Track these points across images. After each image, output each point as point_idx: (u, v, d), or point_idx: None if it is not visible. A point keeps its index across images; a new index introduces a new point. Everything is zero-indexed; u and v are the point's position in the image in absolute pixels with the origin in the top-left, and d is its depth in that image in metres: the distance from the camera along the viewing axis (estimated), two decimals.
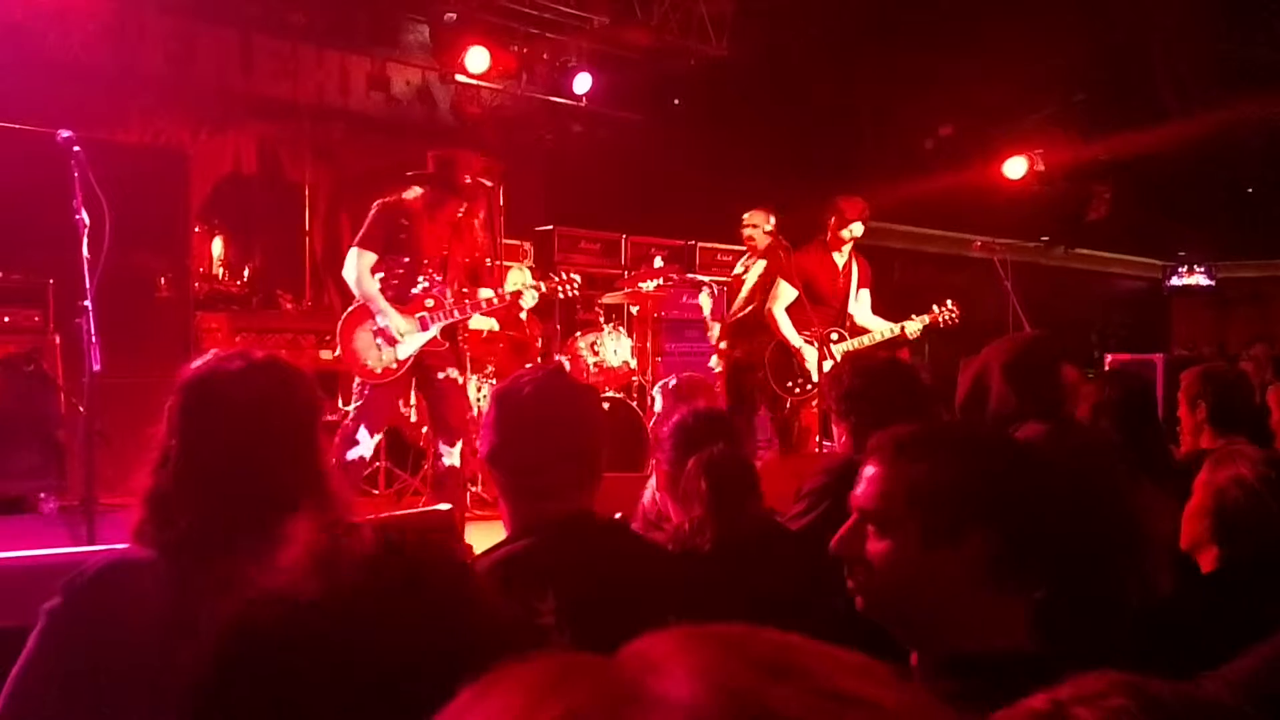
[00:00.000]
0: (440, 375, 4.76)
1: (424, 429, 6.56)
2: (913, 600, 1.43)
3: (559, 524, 1.82)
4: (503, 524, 1.99)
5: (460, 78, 8.42)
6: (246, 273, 7.81)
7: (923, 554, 1.42)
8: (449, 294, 4.74)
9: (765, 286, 6.13)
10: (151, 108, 7.05)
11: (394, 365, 4.57)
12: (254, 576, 0.86)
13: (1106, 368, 7.99)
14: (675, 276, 7.55)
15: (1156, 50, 9.11)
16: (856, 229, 5.99)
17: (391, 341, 4.57)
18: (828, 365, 5.69)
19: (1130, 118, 10.01)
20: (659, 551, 2.07)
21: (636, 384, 7.06)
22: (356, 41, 8.02)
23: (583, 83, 8.80)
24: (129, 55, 6.87)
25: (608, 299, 7.41)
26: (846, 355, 5.79)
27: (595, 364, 6.83)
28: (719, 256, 9.17)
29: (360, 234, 4.67)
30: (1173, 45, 9.07)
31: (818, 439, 5.97)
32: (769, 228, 6.15)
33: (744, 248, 9.12)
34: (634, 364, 6.95)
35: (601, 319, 7.33)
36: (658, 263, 8.00)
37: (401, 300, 4.64)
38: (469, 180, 4.79)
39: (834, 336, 5.92)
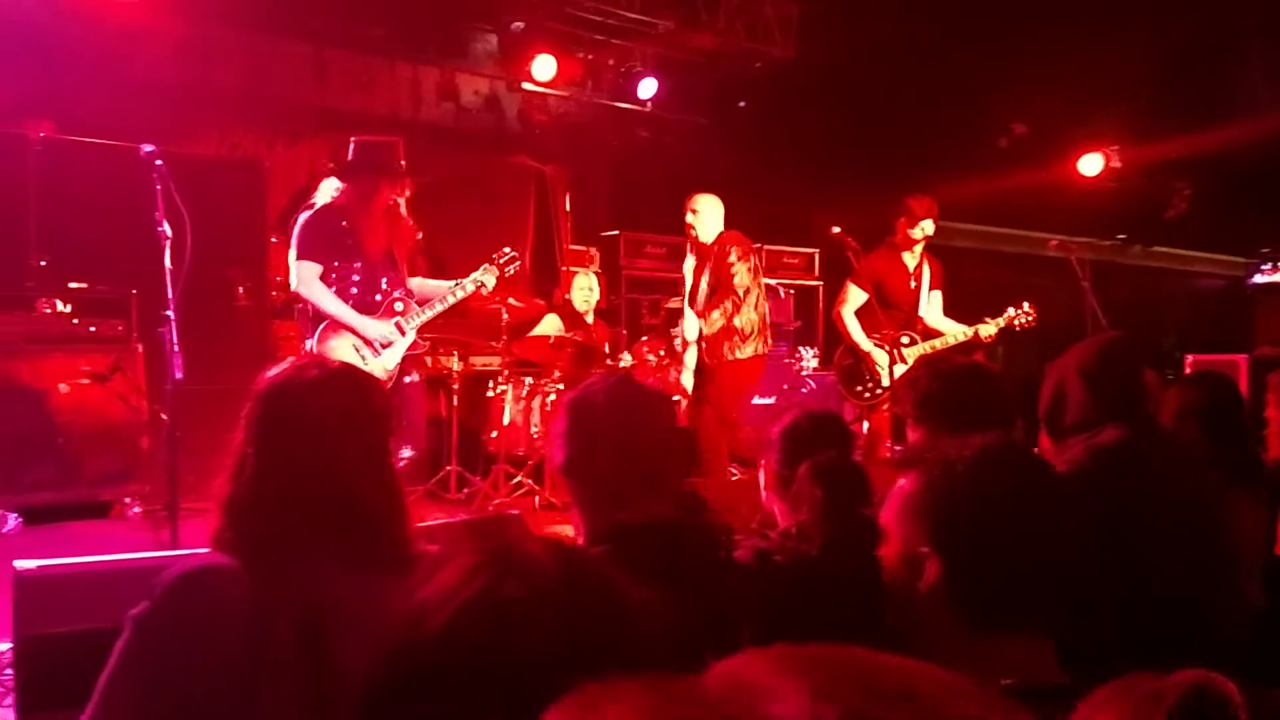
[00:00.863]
0: (406, 380, 4.55)
1: (493, 433, 6.62)
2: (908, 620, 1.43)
3: (634, 531, 1.81)
4: (575, 531, 2.00)
5: (527, 85, 8.50)
6: None
7: (903, 574, 1.42)
8: (412, 292, 4.53)
9: (701, 284, 5.79)
10: (228, 121, 7.23)
11: (384, 376, 4.34)
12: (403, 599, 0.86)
13: (1187, 370, 7.75)
14: None
15: (1234, 44, 8.82)
16: (927, 227, 5.89)
17: (377, 350, 4.38)
18: (899, 369, 5.61)
19: (1209, 113, 9.71)
20: (735, 559, 2.05)
21: None
22: (427, 53, 8.13)
23: (648, 87, 8.82)
24: (207, 71, 7.06)
25: (673, 303, 7.39)
26: (922, 359, 5.69)
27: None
28: (785, 259, 9.11)
29: (296, 245, 4.37)
30: (1249, 39, 8.78)
31: (889, 444, 5.87)
32: (717, 219, 5.83)
33: (810, 249, 9.10)
34: None
35: (668, 324, 7.32)
36: None
37: (369, 308, 4.43)
38: (404, 163, 4.53)
39: (905, 340, 5.83)
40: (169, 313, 3.86)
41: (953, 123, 9.75)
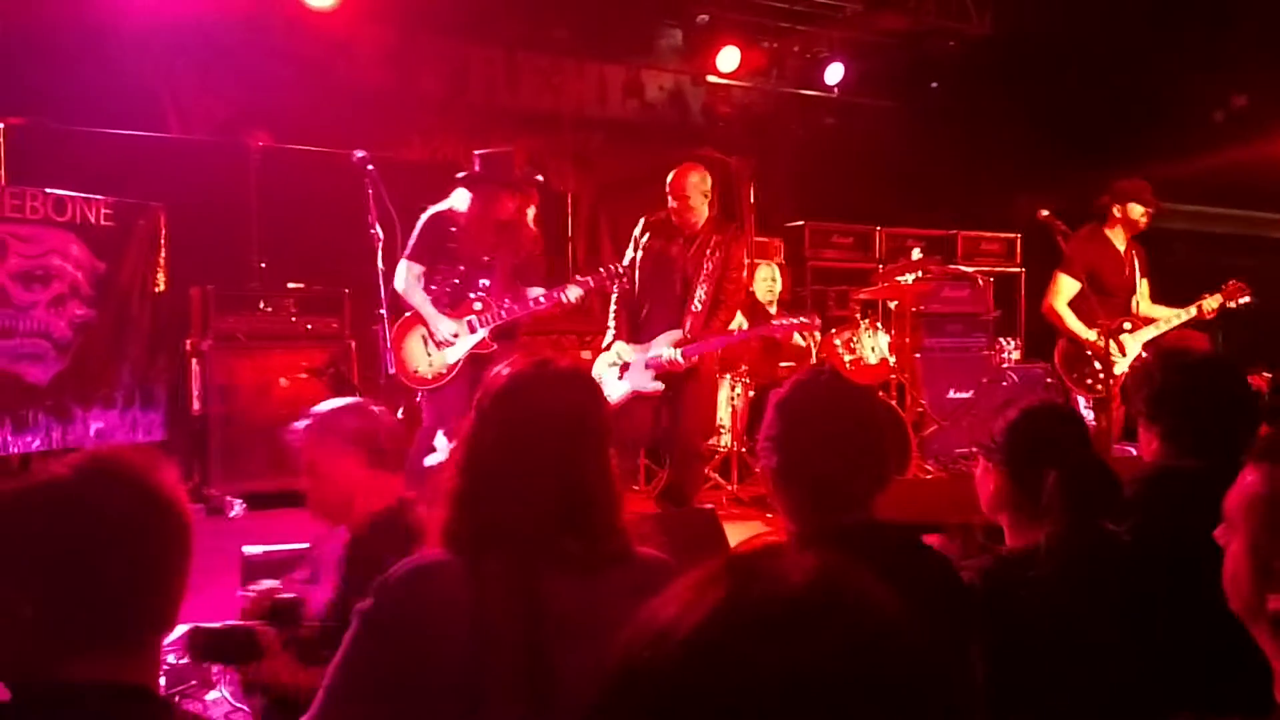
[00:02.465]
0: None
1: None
2: (1246, 617, 1.33)
3: (849, 535, 1.74)
4: (786, 532, 1.94)
5: (711, 78, 8.47)
6: None
7: (1248, 572, 1.31)
8: (505, 299, 4.63)
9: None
10: (431, 126, 7.53)
11: (444, 370, 4.54)
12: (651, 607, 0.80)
13: None
14: (935, 268, 7.23)
15: None
16: (1141, 211, 5.57)
17: (440, 346, 4.55)
18: (1121, 362, 5.28)
19: None
20: (953, 564, 1.94)
21: (895, 381, 6.83)
22: (613, 51, 8.22)
23: (835, 73, 8.62)
24: (410, 78, 7.37)
25: (863, 294, 7.20)
26: (1157, 352, 5.31)
27: (851, 362, 6.64)
28: (983, 245, 8.73)
29: (409, 246, 4.59)
30: None
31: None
32: (707, 191, 5.07)
33: (1011, 234, 8.67)
34: (893, 361, 6.71)
35: (858, 315, 7.14)
36: (915, 254, 7.70)
37: (454, 306, 4.61)
38: (521, 174, 4.63)
39: (1126, 326, 5.50)
40: (383, 311, 4.04)
41: (1164, 97, 9.09)
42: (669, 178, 5.12)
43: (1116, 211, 5.60)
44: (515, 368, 1.69)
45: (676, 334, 5.02)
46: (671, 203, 5.07)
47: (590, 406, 1.69)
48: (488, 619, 1.54)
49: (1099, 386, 5.50)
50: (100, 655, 1.24)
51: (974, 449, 2.29)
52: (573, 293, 4.71)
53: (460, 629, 1.54)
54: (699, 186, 5.01)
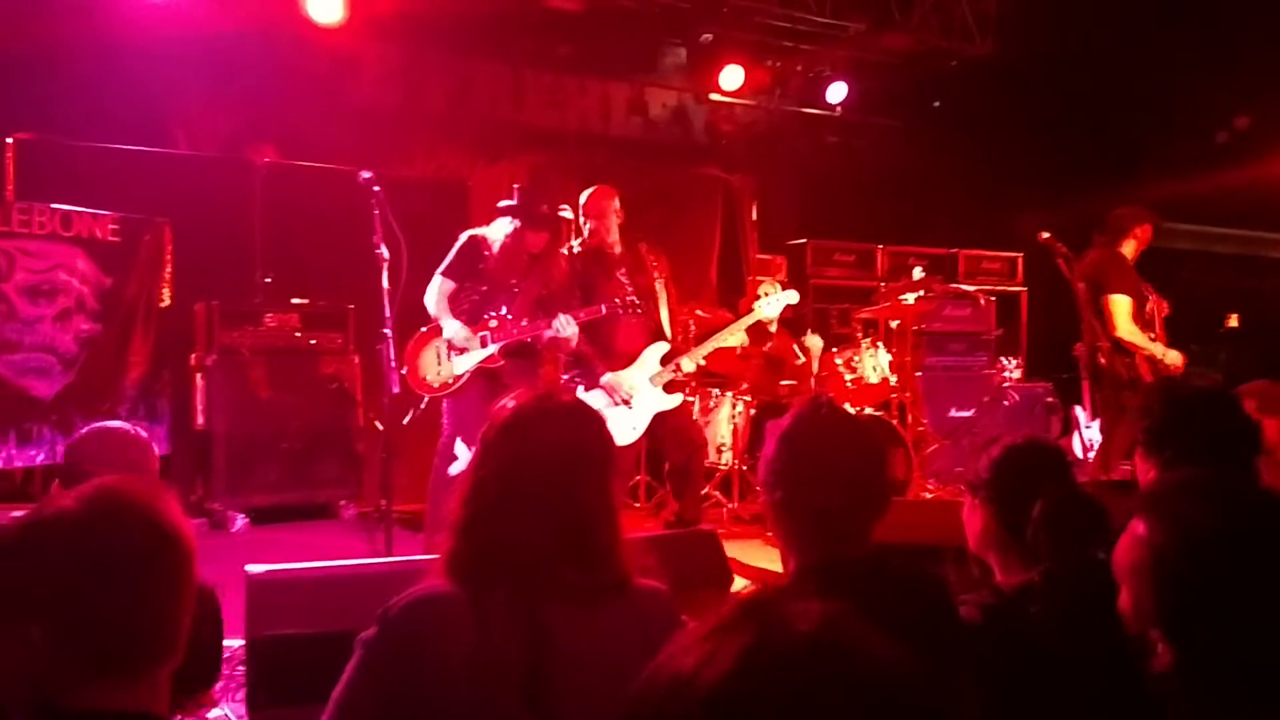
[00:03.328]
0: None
1: None
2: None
3: (851, 567, 1.74)
4: (783, 562, 1.95)
5: (715, 96, 8.51)
6: None
7: (1134, 631, 1.30)
8: (523, 321, 4.73)
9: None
10: (435, 142, 7.55)
11: (450, 380, 4.70)
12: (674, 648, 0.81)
13: None
14: (936, 287, 7.25)
15: None
16: (1149, 236, 5.72)
17: (452, 354, 4.70)
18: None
19: None
20: (952, 595, 1.95)
21: (896, 400, 6.84)
22: (616, 68, 8.25)
23: (837, 92, 8.68)
24: (415, 94, 7.39)
25: (865, 313, 7.22)
26: (1159, 384, 5.34)
27: (852, 381, 6.66)
28: (984, 264, 8.76)
29: (445, 262, 4.78)
30: None
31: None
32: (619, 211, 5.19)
33: (1012, 253, 8.70)
34: (894, 380, 6.72)
35: (859, 334, 7.15)
36: (917, 273, 7.72)
37: (471, 322, 4.74)
38: (546, 210, 4.76)
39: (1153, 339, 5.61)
40: (387, 330, 4.06)
41: (1166, 116, 9.14)
42: (584, 198, 5.25)
43: (1140, 233, 5.69)
44: (520, 401, 1.71)
45: (664, 346, 5.17)
46: (588, 224, 5.21)
47: (592, 440, 1.71)
48: (491, 649, 1.55)
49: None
50: (108, 684, 1.26)
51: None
52: (562, 324, 4.74)
53: (463, 658, 1.55)
54: (614, 207, 5.21)
